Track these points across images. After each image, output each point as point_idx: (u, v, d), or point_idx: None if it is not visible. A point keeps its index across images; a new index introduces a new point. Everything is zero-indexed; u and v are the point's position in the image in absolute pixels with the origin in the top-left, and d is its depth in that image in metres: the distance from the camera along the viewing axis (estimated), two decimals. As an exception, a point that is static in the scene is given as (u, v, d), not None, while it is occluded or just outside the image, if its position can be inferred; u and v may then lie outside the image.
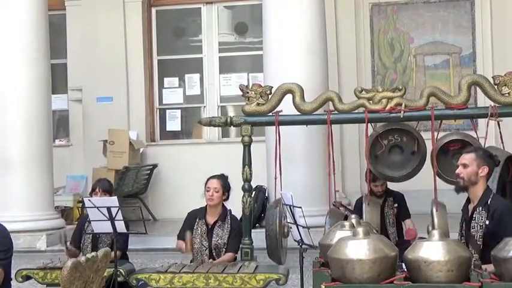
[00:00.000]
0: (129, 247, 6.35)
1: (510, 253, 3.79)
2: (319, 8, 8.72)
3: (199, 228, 5.95)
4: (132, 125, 11.68)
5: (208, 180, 6.03)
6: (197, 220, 5.99)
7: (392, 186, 7.05)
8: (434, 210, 5.79)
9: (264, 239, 6.19)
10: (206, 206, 6.04)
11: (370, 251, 3.88)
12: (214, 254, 5.88)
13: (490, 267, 3.99)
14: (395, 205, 6.91)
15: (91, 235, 6.11)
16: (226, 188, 6.02)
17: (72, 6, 11.91)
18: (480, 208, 4.63)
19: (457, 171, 4.73)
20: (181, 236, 5.99)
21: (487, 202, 4.61)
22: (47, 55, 9.20)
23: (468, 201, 4.80)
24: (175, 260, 5.89)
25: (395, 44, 11.44)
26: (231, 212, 6.09)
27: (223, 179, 6.07)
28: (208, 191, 5.95)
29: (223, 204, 6.06)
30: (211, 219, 5.98)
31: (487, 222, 4.56)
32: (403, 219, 6.97)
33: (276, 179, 6.36)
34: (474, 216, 4.64)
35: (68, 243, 6.11)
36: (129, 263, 6.14)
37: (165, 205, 11.37)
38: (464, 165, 4.68)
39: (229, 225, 5.95)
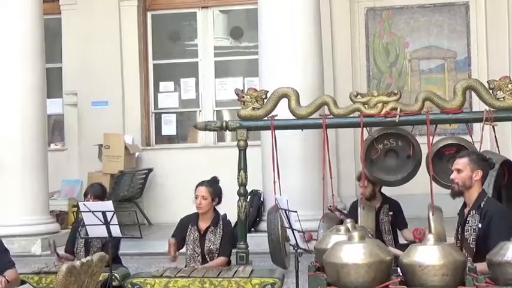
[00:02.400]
0: (124, 251, 6.34)
1: (505, 257, 3.80)
2: (314, 12, 8.73)
3: (191, 235, 5.92)
4: (128, 129, 11.66)
5: (196, 187, 5.98)
6: (189, 226, 5.95)
7: (388, 190, 7.02)
8: (430, 214, 5.80)
9: (259, 243, 6.20)
10: None
11: (365, 255, 3.88)
12: (208, 259, 5.86)
13: (482, 267, 4.02)
14: (391, 213, 6.80)
15: (83, 240, 6.10)
16: (215, 194, 5.95)
17: (67, 10, 11.89)
18: (473, 211, 4.65)
19: (452, 176, 4.74)
20: (173, 240, 5.91)
21: (480, 205, 4.63)
22: (42, 59, 9.18)
23: (464, 205, 4.81)
24: (171, 264, 5.87)
25: (391, 49, 11.45)
26: (225, 216, 6.07)
27: (212, 185, 5.99)
28: (196, 198, 5.91)
29: (214, 209, 6.00)
30: (203, 225, 5.95)
31: (480, 225, 4.58)
32: (400, 229, 6.87)
33: (274, 183, 6.36)
34: (468, 219, 4.66)
35: (57, 251, 6.08)
36: (124, 268, 6.14)
37: (161, 209, 11.35)
38: (458, 170, 4.70)
39: (221, 230, 5.92)
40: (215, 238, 5.89)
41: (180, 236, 5.97)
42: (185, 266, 5.83)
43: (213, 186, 6.00)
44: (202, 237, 5.91)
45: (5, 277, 4.62)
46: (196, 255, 5.88)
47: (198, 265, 5.81)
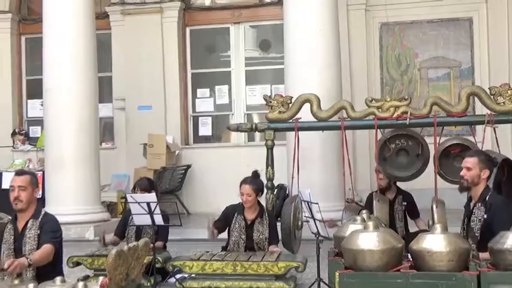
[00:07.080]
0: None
1: (505, 245, 3.77)
2: (333, 26, 8.70)
3: (237, 223, 5.86)
4: (169, 130, 11.73)
5: (241, 184, 5.92)
6: (236, 215, 5.89)
7: (400, 185, 6.97)
8: (434, 207, 5.76)
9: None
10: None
11: (379, 243, 3.87)
12: (256, 247, 5.80)
13: (484, 255, 3.99)
14: (404, 203, 6.78)
15: (135, 227, 6.15)
16: (258, 189, 5.92)
17: (116, 26, 12.00)
18: (479, 204, 4.62)
19: (461, 173, 4.71)
20: (216, 224, 5.91)
21: (486, 199, 4.59)
22: (94, 69, 9.28)
23: (470, 199, 4.78)
24: (207, 249, 5.89)
25: (402, 59, 11.38)
26: (266, 208, 6.07)
27: (254, 182, 5.94)
28: (242, 195, 5.87)
29: (259, 202, 5.98)
30: (249, 216, 5.90)
31: (485, 216, 4.54)
32: (413, 218, 6.82)
33: (293, 178, 6.36)
34: (474, 211, 4.64)
35: (105, 239, 6.15)
36: (166, 252, 6.18)
37: (198, 200, 11.40)
38: (468, 168, 4.66)
39: (267, 221, 5.89)
40: (263, 229, 5.84)
41: (224, 221, 5.93)
42: (228, 250, 5.80)
43: (256, 183, 5.95)
44: (249, 227, 5.86)
45: (27, 258, 4.25)
46: (242, 242, 5.81)
47: (242, 250, 5.76)
